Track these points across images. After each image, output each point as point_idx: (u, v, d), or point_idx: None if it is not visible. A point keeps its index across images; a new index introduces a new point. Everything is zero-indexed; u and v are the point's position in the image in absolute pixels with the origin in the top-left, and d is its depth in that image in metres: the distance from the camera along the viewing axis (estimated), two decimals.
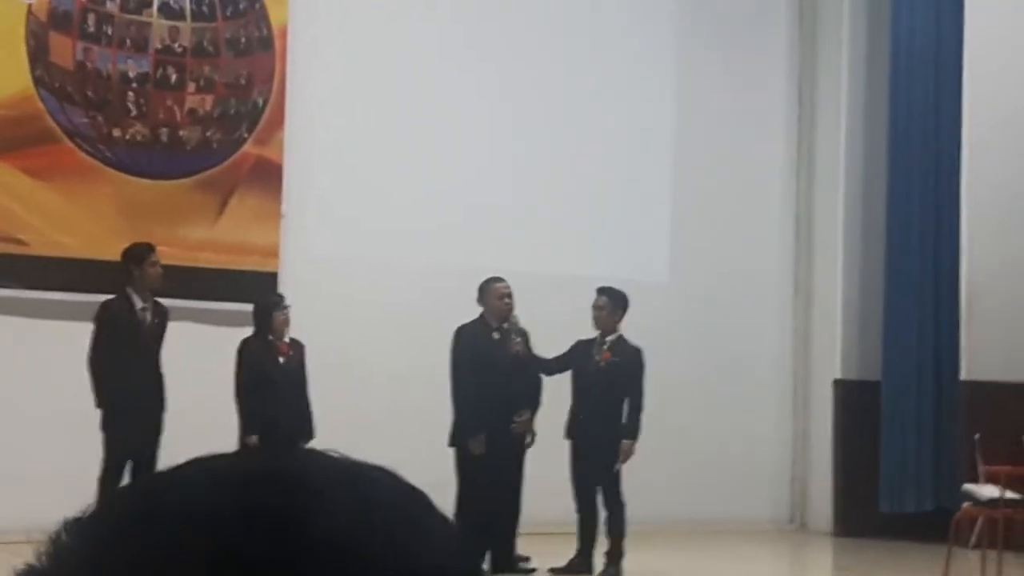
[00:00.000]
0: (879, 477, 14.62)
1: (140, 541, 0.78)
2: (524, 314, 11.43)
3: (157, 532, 0.79)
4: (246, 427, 10.82)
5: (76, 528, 0.82)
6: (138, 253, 10.82)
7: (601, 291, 11.64)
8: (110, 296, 10.86)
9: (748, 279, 15.36)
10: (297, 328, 11.28)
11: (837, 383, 15.20)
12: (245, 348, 11.09)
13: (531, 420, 11.30)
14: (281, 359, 11.13)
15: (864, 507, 14.60)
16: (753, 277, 15.42)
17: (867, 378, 15.02)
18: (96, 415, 10.48)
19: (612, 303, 11.52)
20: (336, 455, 0.85)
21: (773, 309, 15.57)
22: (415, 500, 0.85)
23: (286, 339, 11.21)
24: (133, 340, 10.60)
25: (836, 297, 15.29)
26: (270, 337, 11.12)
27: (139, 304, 10.71)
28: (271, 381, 10.93)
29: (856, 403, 15.04)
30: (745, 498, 14.98)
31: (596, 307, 11.56)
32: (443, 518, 0.87)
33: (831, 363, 15.27)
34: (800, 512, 15.55)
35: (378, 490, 0.83)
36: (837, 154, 15.37)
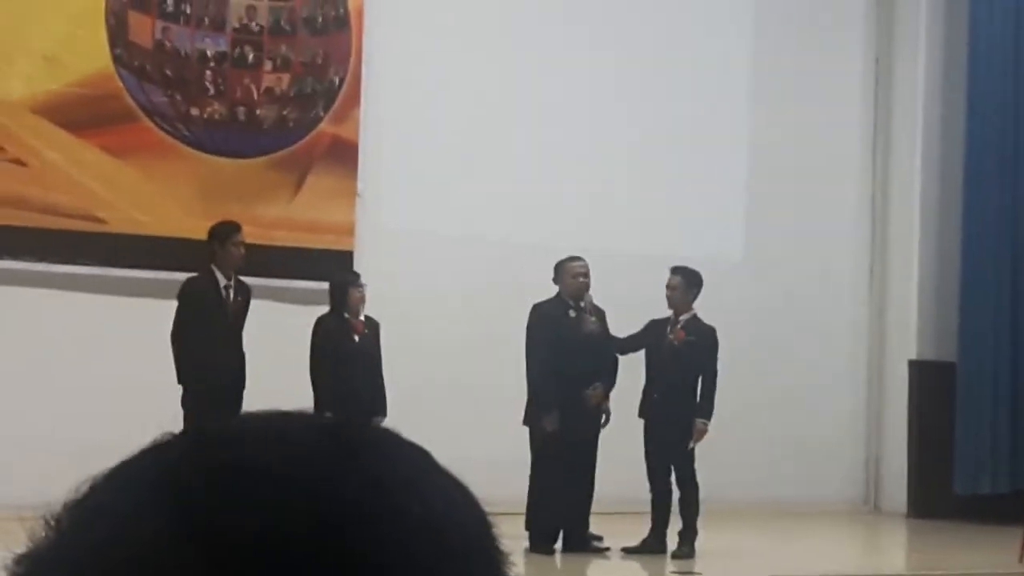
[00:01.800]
0: (954, 458, 14.53)
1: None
2: (599, 293, 11.43)
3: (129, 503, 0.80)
4: (321, 405, 10.87)
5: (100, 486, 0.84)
6: (223, 231, 10.90)
7: (675, 270, 11.62)
8: (191, 274, 10.96)
9: (823, 258, 15.28)
10: (372, 306, 11.33)
11: (912, 364, 15.10)
12: (320, 326, 11.14)
13: (605, 396, 11.29)
14: (356, 337, 11.18)
15: (939, 488, 14.50)
16: (828, 256, 15.34)
17: (943, 359, 14.92)
18: (176, 391, 10.58)
19: (686, 282, 11.49)
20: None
21: (848, 289, 15.49)
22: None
23: (361, 317, 11.26)
24: (216, 318, 10.68)
25: (912, 277, 15.19)
26: (345, 315, 11.18)
27: (223, 282, 10.80)
28: (346, 359, 10.98)
29: (932, 384, 14.94)
30: (819, 479, 14.92)
31: (670, 286, 11.54)
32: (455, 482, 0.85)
33: (907, 344, 15.18)
34: (874, 493, 15.47)
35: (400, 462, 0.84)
36: (914, 132, 15.26)
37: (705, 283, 11.58)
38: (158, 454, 0.84)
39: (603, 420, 11.30)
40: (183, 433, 0.87)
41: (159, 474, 0.81)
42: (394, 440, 0.85)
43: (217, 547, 0.76)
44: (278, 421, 0.86)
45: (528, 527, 10.94)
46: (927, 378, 15.01)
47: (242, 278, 10.98)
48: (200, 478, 0.79)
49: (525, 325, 11.34)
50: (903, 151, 15.39)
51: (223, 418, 0.88)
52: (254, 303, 11.08)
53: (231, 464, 0.80)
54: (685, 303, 11.47)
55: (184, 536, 0.76)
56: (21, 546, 0.84)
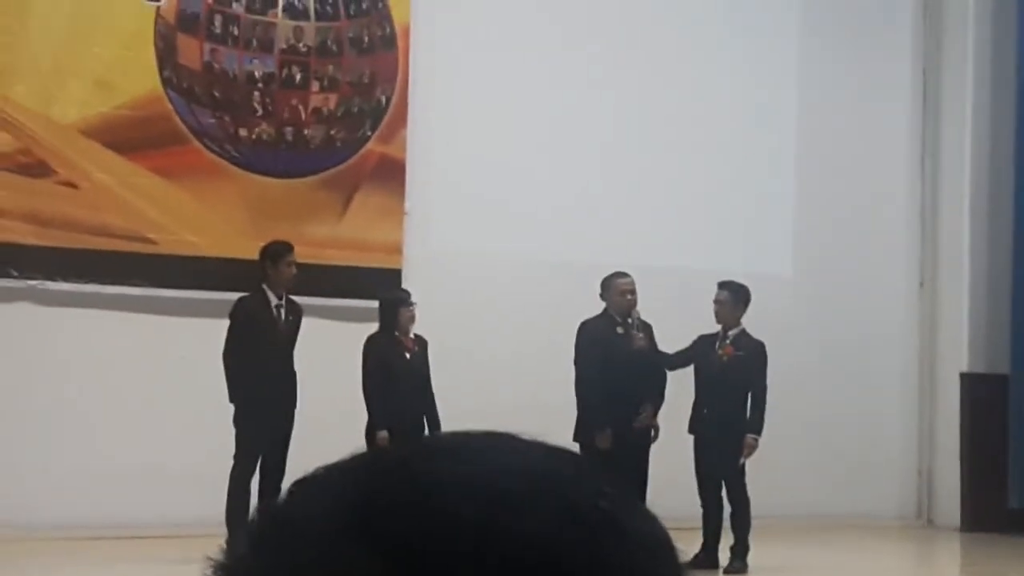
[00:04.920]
0: (1008, 471, 14.44)
1: (277, 551, 0.80)
2: (647, 309, 11.43)
3: (293, 543, 0.80)
4: (374, 422, 10.91)
5: (236, 539, 0.84)
6: (275, 251, 10.95)
7: (722, 285, 11.60)
8: (242, 294, 11.01)
9: (873, 272, 15.23)
10: (420, 323, 11.35)
11: (964, 376, 15.02)
12: (371, 344, 11.17)
13: (655, 415, 11.31)
14: (407, 355, 11.21)
15: (993, 502, 14.41)
16: (878, 270, 15.28)
17: (995, 371, 14.83)
18: (229, 410, 10.63)
19: (734, 297, 11.47)
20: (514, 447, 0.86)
21: (898, 302, 15.42)
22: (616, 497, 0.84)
23: (411, 335, 11.29)
24: (267, 337, 10.72)
25: (963, 289, 15.11)
26: (396, 333, 11.21)
27: (274, 301, 10.85)
28: (398, 377, 11.00)
29: (984, 396, 14.85)
30: (871, 493, 14.85)
31: (717, 301, 11.52)
32: (648, 516, 0.86)
33: (958, 356, 15.09)
34: (927, 507, 15.39)
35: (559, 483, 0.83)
36: (963, 145, 15.19)
37: (753, 298, 11.55)
38: (353, 468, 0.84)
39: (653, 436, 11.30)
40: (379, 450, 0.88)
41: (353, 487, 0.81)
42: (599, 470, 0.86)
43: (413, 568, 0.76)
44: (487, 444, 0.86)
45: None
46: (979, 390, 14.92)
47: (293, 297, 11.03)
48: (397, 496, 0.79)
49: (573, 342, 11.34)
50: (953, 163, 15.31)
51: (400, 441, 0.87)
52: (304, 321, 11.13)
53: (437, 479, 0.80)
54: (733, 318, 11.44)
55: (382, 556, 0.77)
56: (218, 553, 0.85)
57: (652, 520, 0.84)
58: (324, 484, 0.83)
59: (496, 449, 0.85)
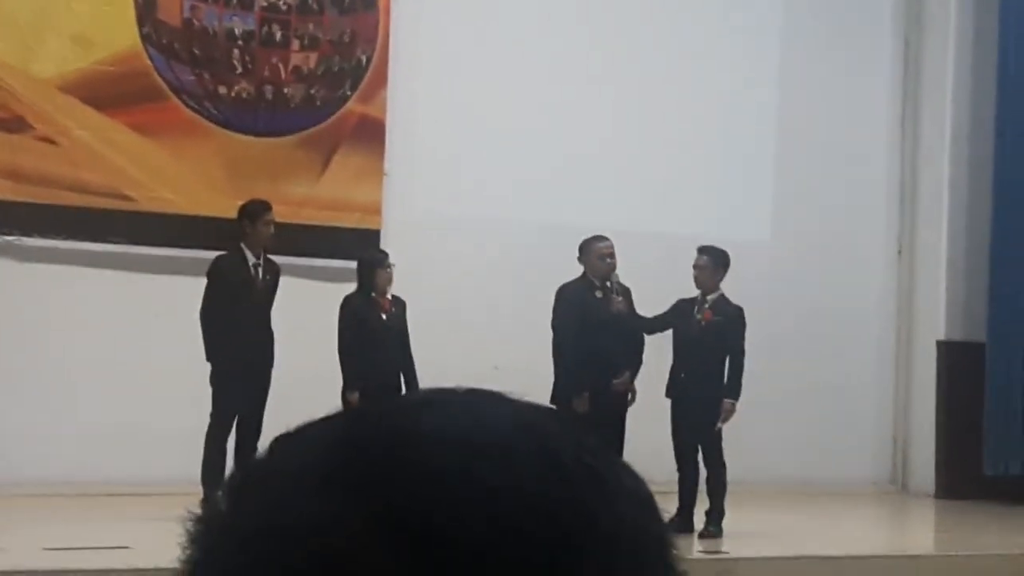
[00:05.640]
0: (983, 439, 14.48)
1: (260, 505, 0.79)
2: (625, 273, 11.42)
3: (273, 496, 0.79)
4: (348, 383, 10.90)
5: (217, 494, 0.83)
6: (254, 210, 10.90)
7: (702, 250, 11.59)
8: (219, 252, 10.97)
9: (851, 238, 15.24)
10: (399, 285, 11.33)
11: (941, 344, 15.05)
12: (347, 304, 11.16)
13: (632, 379, 11.32)
14: (384, 315, 11.20)
15: (967, 469, 14.45)
16: (856, 236, 15.29)
17: (972, 339, 14.86)
18: (205, 369, 10.60)
19: (713, 262, 11.46)
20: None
21: (876, 268, 15.44)
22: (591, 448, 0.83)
23: (388, 296, 11.27)
24: (245, 296, 10.69)
25: (941, 256, 15.13)
26: (372, 294, 11.19)
27: (252, 260, 10.81)
28: (374, 337, 11.00)
29: (960, 364, 14.88)
30: (846, 459, 14.89)
31: (697, 266, 11.51)
32: (631, 472, 0.84)
33: (935, 324, 15.12)
34: (902, 474, 15.44)
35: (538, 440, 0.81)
36: (943, 112, 15.18)
37: (732, 263, 11.54)
38: (334, 423, 0.83)
39: (630, 399, 11.31)
40: (360, 406, 0.87)
41: (333, 441, 0.80)
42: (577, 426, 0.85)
43: (395, 528, 0.75)
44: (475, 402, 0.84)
45: None
46: (956, 358, 14.95)
47: (271, 257, 10.99)
48: (378, 449, 0.78)
49: (551, 306, 11.33)
50: (932, 130, 15.31)
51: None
52: (282, 281, 11.09)
53: (418, 433, 0.79)
54: (712, 283, 11.44)
55: (363, 510, 0.76)
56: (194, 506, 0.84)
57: (635, 476, 0.83)
58: (304, 439, 0.82)
59: (478, 404, 0.83)
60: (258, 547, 0.77)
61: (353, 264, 11.50)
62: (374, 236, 12.92)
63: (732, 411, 11.23)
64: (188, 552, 0.81)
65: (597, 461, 0.80)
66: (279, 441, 0.83)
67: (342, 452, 0.79)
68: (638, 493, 0.82)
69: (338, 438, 0.80)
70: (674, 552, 0.84)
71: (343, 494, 0.76)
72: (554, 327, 11.30)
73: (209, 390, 10.55)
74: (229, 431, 10.46)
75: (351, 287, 11.32)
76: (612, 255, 11.33)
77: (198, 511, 0.83)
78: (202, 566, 0.80)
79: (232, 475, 0.82)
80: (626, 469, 0.83)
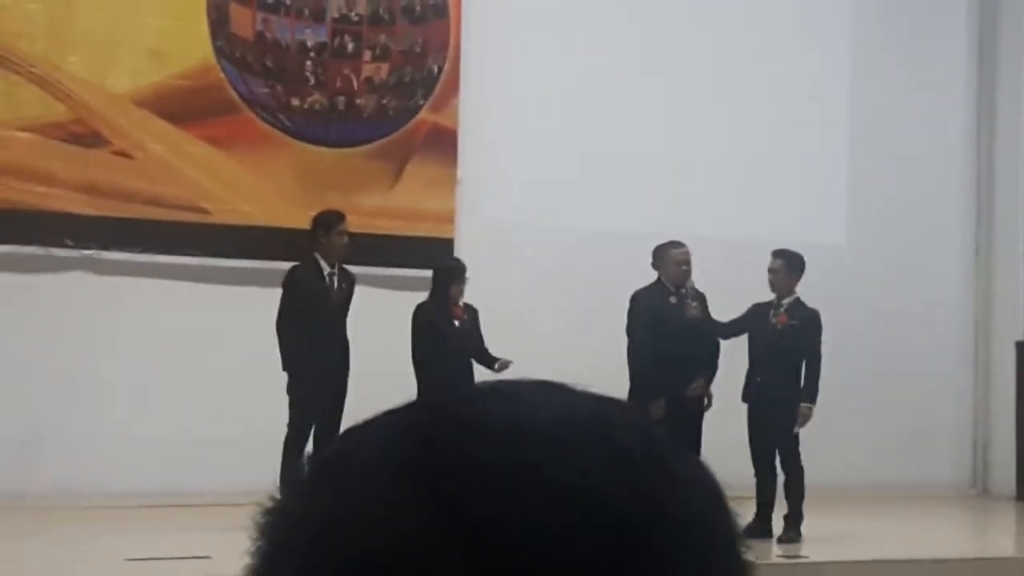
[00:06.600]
0: None
1: (333, 495, 0.80)
2: (700, 278, 11.38)
3: (350, 484, 0.80)
4: (424, 389, 10.91)
5: (286, 487, 0.84)
6: (328, 220, 10.96)
7: (777, 254, 11.54)
8: (294, 263, 11.03)
9: (928, 240, 15.13)
10: (471, 293, 11.35)
11: (1020, 345, 14.91)
12: (421, 312, 11.18)
13: (708, 384, 11.28)
14: (456, 323, 11.22)
15: None
16: (933, 238, 15.18)
17: None
18: (282, 379, 10.66)
19: (788, 266, 11.41)
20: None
21: (954, 270, 15.32)
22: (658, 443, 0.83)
23: (460, 304, 11.29)
24: (320, 305, 10.74)
25: (1018, 257, 15.00)
26: (445, 302, 11.20)
27: (327, 270, 10.87)
28: (447, 344, 11.02)
29: None
30: (926, 462, 14.78)
31: (772, 270, 11.46)
32: (698, 463, 0.84)
33: (1014, 324, 14.98)
34: (983, 477, 15.30)
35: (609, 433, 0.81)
36: (1019, 112, 15.05)
37: (808, 267, 11.49)
38: (403, 414, 0.84)
39: (706, 404, 11.27)
40: (430, 397, 0.88)
41: (401, 432, 0.81)
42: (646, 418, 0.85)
43: (460, 518, 0.76)
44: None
45: None
46: None
47: (346, 266, 11.04)
48: (444, 439, 0.79)
49: (625, 313, 11.31)
50: (1009, 130, 15.18)
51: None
52: (356, 291, 11.13)
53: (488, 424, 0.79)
54: (787, 286, 11.38)
55: (432, 499, 0.76)
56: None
57: (702, 467, 0.84)
58: (375, 429, 0.83)
59: (544, 395, 0.84)
60: (326, 537, 0.78)
61: (427, 273, 11.51)
62: (447, 245, 12.94)
63: (809, 415, 11.17)
64: (258, 544, 0.82)
65: (665, 452, 0.81)
66: (348, 433, 0.84)
67: (410, 443, 0.80)
68: (707, 485, 0.82)
69: (406, 428, 0.81)
70: (744, 546, 0.84)
71: (411, 484, 0.77)
72: (629, 333, 11.28)
73: (286, 400, 10.61)
74: (307, 440, 10.50)
75: (425, 296, 11.34)
76: (688, 262, 11.30)
77: (267, 504, 0.84)
78: (272, 558, 0.81)
79: (302, 466, 0.83)
80: (695, 461, 0.83)
